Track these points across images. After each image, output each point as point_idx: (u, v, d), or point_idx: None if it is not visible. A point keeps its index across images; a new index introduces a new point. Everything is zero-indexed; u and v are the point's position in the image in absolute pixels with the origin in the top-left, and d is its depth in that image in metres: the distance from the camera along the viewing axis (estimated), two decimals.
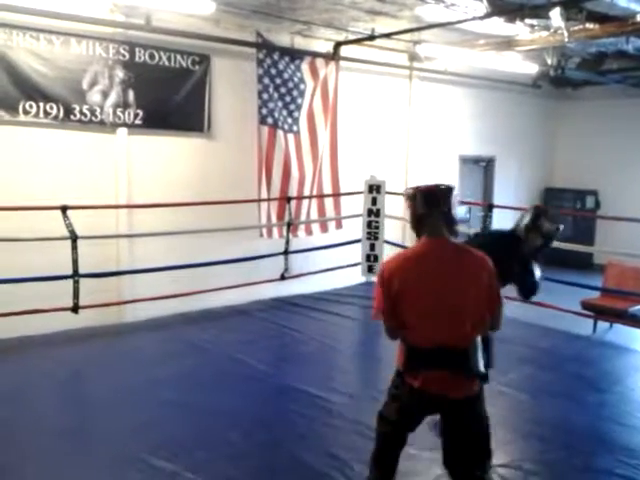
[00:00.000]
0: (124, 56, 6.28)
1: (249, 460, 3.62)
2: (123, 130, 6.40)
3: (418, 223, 2.73)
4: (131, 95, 6.37)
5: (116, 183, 6.44)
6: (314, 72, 7.67)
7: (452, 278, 2.63)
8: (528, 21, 6.81)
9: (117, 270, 6.35)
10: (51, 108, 5.88)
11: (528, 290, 3.69)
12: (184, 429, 3.95)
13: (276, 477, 3.46)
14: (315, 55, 7.66)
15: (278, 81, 7.32)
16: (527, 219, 3.68)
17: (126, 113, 6.37)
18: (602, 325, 6.96)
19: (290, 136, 7.51)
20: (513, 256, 3.54)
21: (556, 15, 6.10)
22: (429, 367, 2.63)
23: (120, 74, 6.28)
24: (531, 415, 4.33)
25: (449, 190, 2.74)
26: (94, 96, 6.15)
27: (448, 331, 2.61)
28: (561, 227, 3.68)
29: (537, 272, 3.61)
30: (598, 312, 6.79)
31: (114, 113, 6.28)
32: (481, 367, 2.65)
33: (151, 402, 4.34)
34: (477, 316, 2.63)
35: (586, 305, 6.86)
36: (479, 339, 2.67)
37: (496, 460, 3.61)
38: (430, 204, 2.68)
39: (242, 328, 6.22)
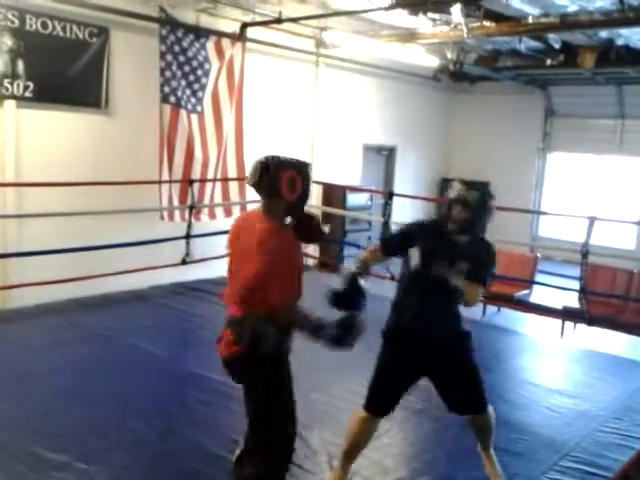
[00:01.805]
0: (13, 23, 5.82)
1: (147, 447, 3.54)
2: (11, 103, 5.95)
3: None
4: (20, 65, 5.93)
5: (3, 159, 6.00)
6: (219, 52, 7.50)
7: (240, 247, 2.67)
8: (430, 15, 7.05)
9: (4, 252, 5.94)
10: None
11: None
12: (78, 418, 3.79)
13: (174, 463, 3.40)
14: (221, 35, 7.50)
15: (182, 59, 7.10)
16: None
17: (15, 84, 5.93)
18: (491, 309, 7.40)
19: (194, 116, 7.33)
20: None
21: (456, 11, 6.36)
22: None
23: (8, 42, 5.82)
24: (425, 395, 4.51)
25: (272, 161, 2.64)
26: None
27: (228, 297, 2.73)
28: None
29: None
30: (487, 297, 7.20)
31: (1, 84, 5.83)
32: (244, 339, 2.59)
33: (42, 391, 4.12)
34: (243, 287, 2.59)
35: None
36: (264, 313, 2.56)
37: (391, 439, 3.78)
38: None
39: (141, 314, 6.04)
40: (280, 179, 2.59)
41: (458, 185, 3.13)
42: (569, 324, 6.65)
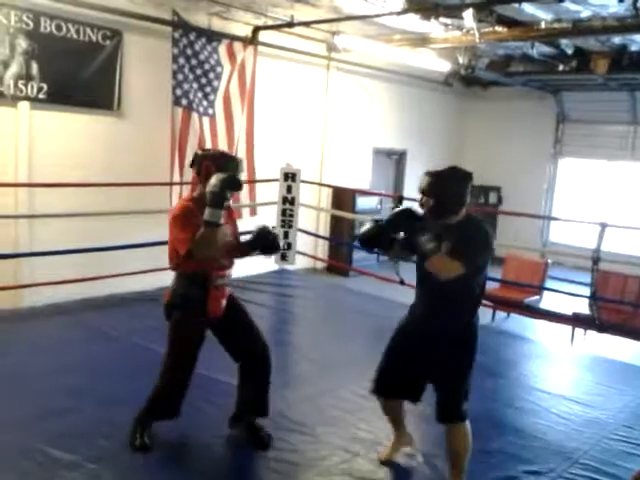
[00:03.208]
0: (28, 25, 5.89)
1: (155, 449, 3.54)
2: (25, 104, 6.01)
3: None
4: (35, 67, 5.99)
5: (16, 160, 6.05)
6: (231, 55, 7.54)
7: None
8: (442, 20, 7.04)
9: (15, 252, 5.99)
10: None
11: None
12: (87, 418, 3.80)
13: (181, 463, 3.41)
14: (233, 38, 7.54)
15: (194, 62, 7.14)
16: None
17: (29, 86, 5.99)
18: (500, 314, 7.36)
19: (205, 119, 7.37)
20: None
21: (469, 16, 6.34)
22: None
23: (23, 44, 5.88)
24: (433, 399, 4.51)
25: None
26: None
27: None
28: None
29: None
30: (496, 302, 7.18)
31: (15, 85, 5.89)
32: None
33: (51, 391, 4.15)
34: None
35: (485, 295, 7.21)
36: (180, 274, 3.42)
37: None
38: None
39: (151, 315, 6.00)
40: (200, 166, 3.32)
41: (423, 175, 3.13)
42: (579, 331, 6.61)
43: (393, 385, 3.30)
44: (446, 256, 2.91)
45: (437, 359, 3.14)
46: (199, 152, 3.43)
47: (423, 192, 3.06)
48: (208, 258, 3.20)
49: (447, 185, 3.02)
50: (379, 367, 3.32)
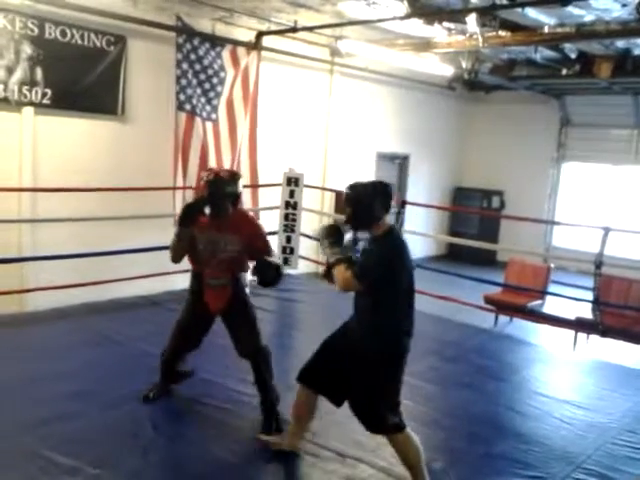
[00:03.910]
0: (32, 31, 5.93)
1: (156, 453, 3.55)
2: (29, 109, 6.05)
3: None
4: (39, 73, 6.03)
5: (20, 165, 6.09)
6: (235, 60, 7.57)
7: None
8: (446, 24, 7.06)
9: (19, 257, 6.02)
10: None
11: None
12: (90, 423, 3.80)
13: (184, 470, 3.41)
14: (237, 43, 7.57)
15: (197, 67, 7.17)
16: None
17: (33, 91, 6.02)
18: (503, 319, 7.35)
19: (208, 124, 7.39)
20: None
21: (472, 21, 6.36)
22: None
23: (28, 50, 5.93)
24: (436, 404, 4.51)
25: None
26: None
27: None
28: None
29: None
30: (499, 306, 7.17)
31: (20, 91, 5.93)
32: None
33: (54, 395, 4.15)
34: None
35: (488, 300, 7.22)
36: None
37: None
38: None
39: (153, 319, 6.05)
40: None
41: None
42: (582, 335, 6.59)
43: (318, 377, 3.31)
44: (345, 268, 3.01)
45: (352, 371, 3.16)
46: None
47: (344, 201, 3.20)
48: (174, 259, 3.95)
49: (359, 199, 3.11)
50: (311, 356, 3.38)
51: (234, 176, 3.94)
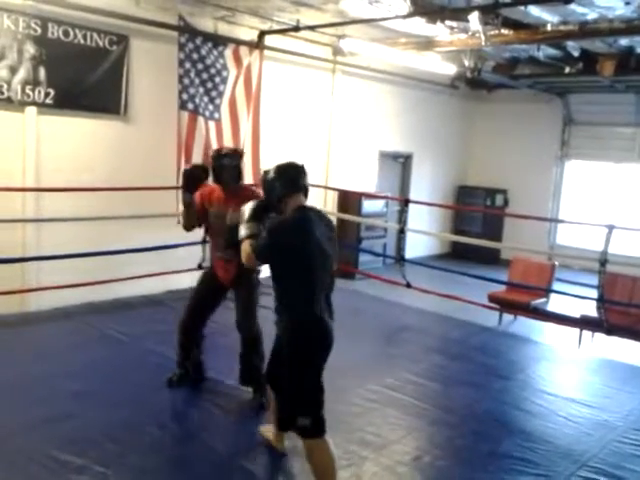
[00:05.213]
0: (35, 31, 5.93)
1: (162, 452, 3.56)
2: (32, 109, 6.05)
3: None
4: (42, 72, 6.03)
5: (23, 164, 6.09)
6: (237, 60, 7.56)
7: None
8: (448, 23, 7.04)
9: (22, 256, 6.02)
10: None
11: None
12: (95, 422, 3.81)
13: (190, 468, 3.42)
14: (239, 43, 7.56)
15: (200, 66, 7.16)
16: None
17: (36, 91, 6.02)
18: (507, 317, 7.33)
19: (211, 123, 7.38)
20: None
21: (474, 19, 6.33)
22: None
23: (31, 50, 5.92)
24: (441, 402, 4.51)
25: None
26: (0, 71, 5.77)
27: None
28: None
29: None
30: (504, 305, 7.15)
31: (23, 90, 5.93)
32: None
33: (58, 394, 4.16)
34: None
35: (493, 298, 7.20)
36: None
37: (406, 447, 3.77)
38: None
39: (156, 318, 6.07)
40: None
41: None
42: (587, 333, 6.58)
43: (275, 378, 3.29)
44: (249, 244, 3.10)
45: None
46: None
47: None
48: (185, 226, 4.27)
49: (263, 179, 3.24)
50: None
51: (235, 151, 4.38)
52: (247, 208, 3.25)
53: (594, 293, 6.31)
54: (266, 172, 3.24)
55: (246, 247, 3.11)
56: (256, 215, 3.19)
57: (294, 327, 3.02)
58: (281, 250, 2.99)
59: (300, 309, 3.01)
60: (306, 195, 3.19)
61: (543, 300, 7.19)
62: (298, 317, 3.02)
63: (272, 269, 3.05)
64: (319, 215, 3.18)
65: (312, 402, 2.96)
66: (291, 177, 3.15)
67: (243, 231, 3.17)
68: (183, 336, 4.35)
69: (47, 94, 6.09)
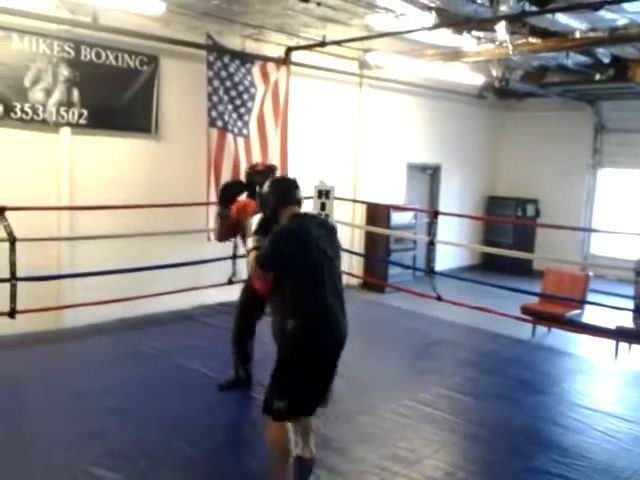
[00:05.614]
0: (69, 54, 6.11)
1: (194, 468, 3.57)
2: (66, 130, 6.22)
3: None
4: (76, 94, 6.20)
5: (58, 184, 6.25)
6: (265, 76, 7.66)
7: None
8: (475, 33, 7.01)
9: (58, 274, 6.16)
10: None
11: None
12: (127, 438, 3.85)
13: None
14: (266, 59, 7.66)
15: (228, 84, 7.27)
16: None
17: (70, 112, 6.19)
18: (541, 329, 7.20)
19: (240, 139, 7.48)
20: None
21: (501, 29, 6.30)
22: None
23: (65, 72, 6.11)
24: (474, 417, 4.43)
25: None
26: (37, 94, 5.95)
27: None
28: None
29: None
30: (537, 317, 7.03)
31: (57, 112, 6.10)
32: None
33: (92, 410, 4.22)
34: None
35: (526, 310, 7.09)
36: None
37: (439, 462, 3.71)
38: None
39: (187, 333, 6.12)
40: None
41: None
42: (623, 345, 6.41)
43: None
44: (255, 255, 3.19)
45: None
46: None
47: None
48: (218, 237, 4.43)
49: (259, 194, 3.42)
50: None
51: (269, 167, 4.50)
52: (254, 221, 3.36)
53: (630, 304, 6.16)
54: (261, 187, 3.41)
55: (251, 258, 3.23)
56: (261, 228, 3.31)
57: (291, 332, 3.07)
58: (281, 256, 3.09)
59: (310, 305, 3.06)
60: (299, 207, 3.35)
61: (578, 312, 7.05)
62: (308, 315, 3.06)
63: (277, 276, 3.21)
64: (317, 220, 3.39)
65: (293, 399, 3.06)
66: (284, 190, 3.32)
67: (250, 243, 3.30)
68: (236, 346, 4.54)
69: (81, 115, 6.25)
